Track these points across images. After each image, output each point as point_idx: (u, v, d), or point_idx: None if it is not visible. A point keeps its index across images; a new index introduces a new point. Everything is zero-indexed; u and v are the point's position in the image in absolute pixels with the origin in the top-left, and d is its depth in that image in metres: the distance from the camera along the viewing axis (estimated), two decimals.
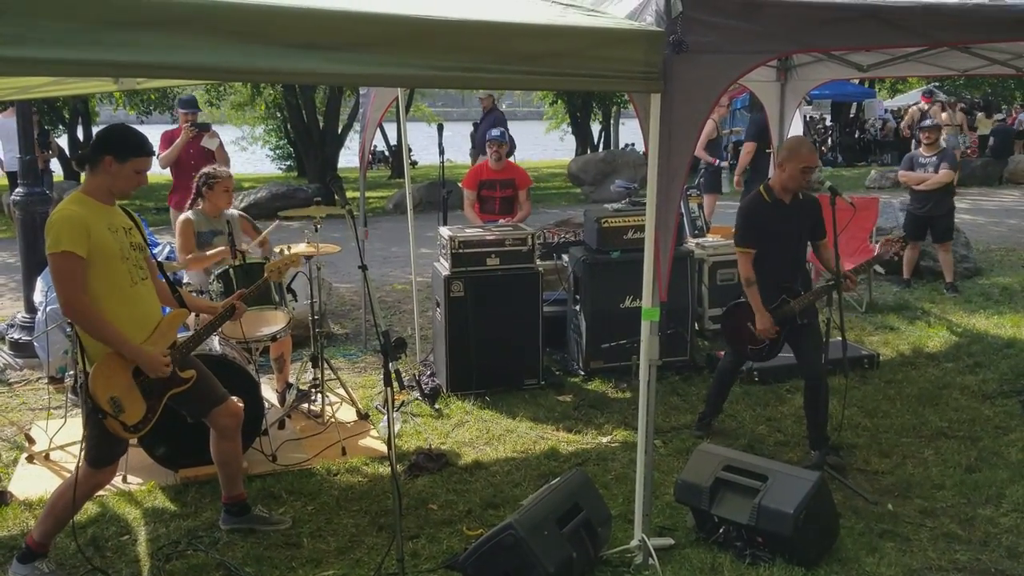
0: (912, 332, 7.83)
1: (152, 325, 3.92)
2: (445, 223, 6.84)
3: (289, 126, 27.80)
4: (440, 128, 7.49)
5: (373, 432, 5.67)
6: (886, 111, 27.59)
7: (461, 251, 6.12)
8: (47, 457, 5.24)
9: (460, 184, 8.12)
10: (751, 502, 3.95)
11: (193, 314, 4.74)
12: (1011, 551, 4.11)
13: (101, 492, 4.72)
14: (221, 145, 8.30)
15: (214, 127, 8.81)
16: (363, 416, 5.84)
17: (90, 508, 4.59)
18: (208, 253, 5.66)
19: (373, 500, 4.70)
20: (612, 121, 32.64)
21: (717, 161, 10.78)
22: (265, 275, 4.64)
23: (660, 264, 3.84)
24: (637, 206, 7.08)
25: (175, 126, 8.41)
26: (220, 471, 4.32)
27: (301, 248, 5.72)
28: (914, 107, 23.54)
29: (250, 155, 34.45)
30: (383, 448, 5.37)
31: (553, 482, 3.94)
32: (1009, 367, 6.78)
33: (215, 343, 5.16)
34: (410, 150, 7.53)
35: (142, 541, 4.32)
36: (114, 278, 3.78)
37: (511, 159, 9.00)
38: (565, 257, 7.06)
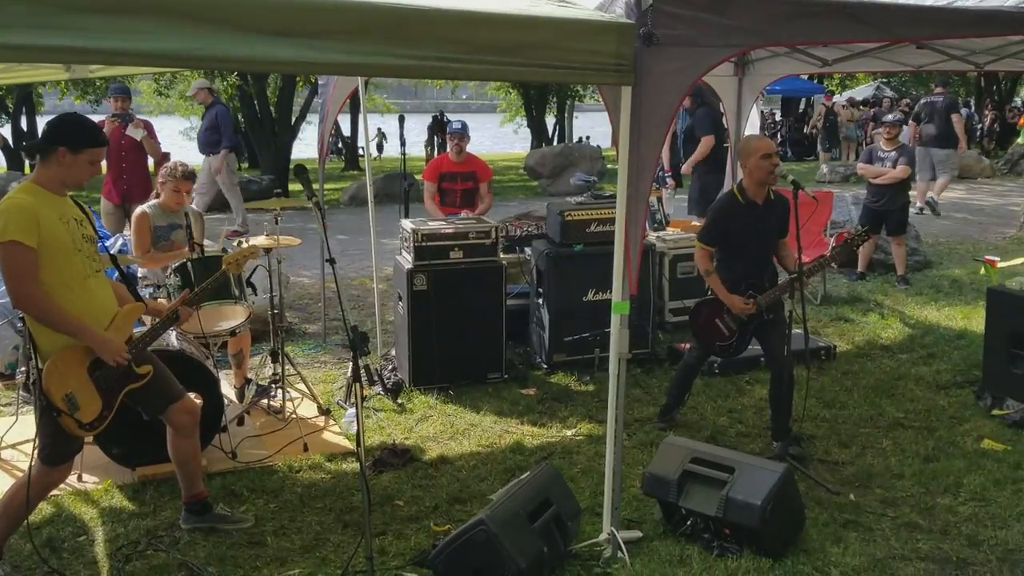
0: (866, 324, 7.95)
1: (107, 319, 3.83)
2: (407, 216, 6.77)
3: (240, 116, 27.44)
4: (401, 119, 7.41)
5: (334, 427, 5.59)
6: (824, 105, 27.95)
7: (424, 244, 6.06)
8: None
9: (420, 176, 8.05)
10: (719, 494, 3.97)
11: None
12: (971, 539, 4.19)
13: (56, 491, 4.59)
14: (148, 136, 8.27)
15: (142, 117, 8.74)
16: (324, 412, 5.74)
17: (45, 508, 4.46)
18: (166, 254, 5.54)
19: (337, 497, 4.64)
20: (567, 114, 32.76)
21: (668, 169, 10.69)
22: (223, 267, 4.54)
23: (631, 258, 3.83)
24: (599, 199, 7.08)
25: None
26: (179, 470, 4.23)
27: (261, 240, 5.61)
28: (820, 107, 24.32)
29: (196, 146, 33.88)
30: (345, 444, 5.31)
31: (522, 476, 3.92)
32: (961, 358, 6.92)
33: (172, 337, 5.05)
34: (384, 136, 7.39)
35: (100, 541, 4.20)
36: (67, 270, 3.68)
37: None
38: (528, 250, 7.03)
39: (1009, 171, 21.17)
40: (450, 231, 6.18)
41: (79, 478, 4.77)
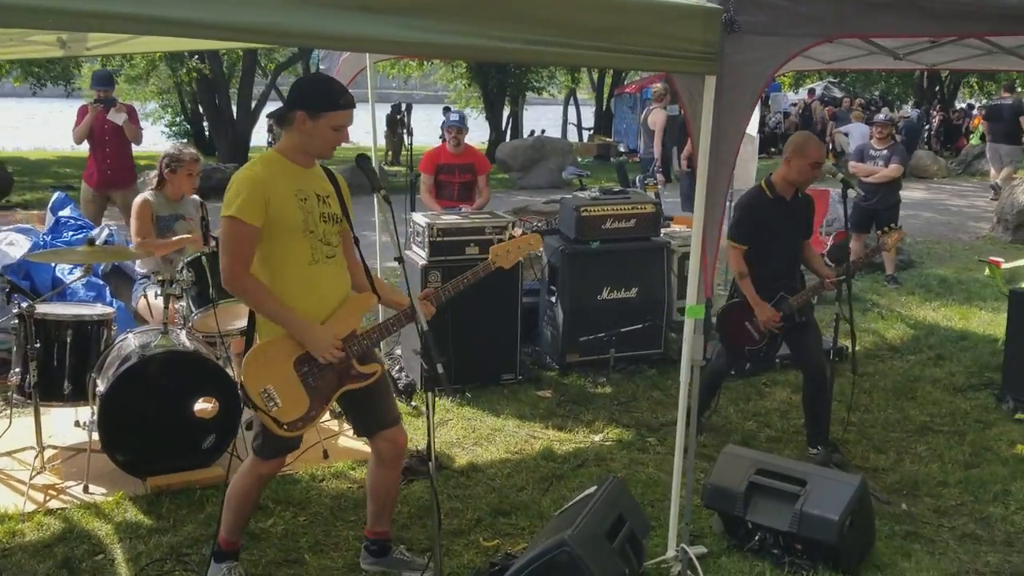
0: (867, 325, 7.88)
1: (330, 309, 3.42)
2: (413, 209, 6.47)
3: (186, 101, 26.63)
4: (408, 108, 7.10)
5: (349, 432, 5.28)
6: (792, 104, 28.34)
7: (440, 239, 5.78)
8: None
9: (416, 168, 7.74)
10: (791, 508, 3.78)
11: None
12: None
13: (62, 504, 4.28)
14: (129, 120, 8.08)
15: (123, 102, 8.50)
16: (336, 415, 5.43)
17: (53, 524, 4.10)
18: (168, 241, 5.17)
19: None
20: (520, 107, 32.40)
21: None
22: (491, 259, 3.75)
23: (707, 259, 3.62)
24: (608, 195, 6.86)
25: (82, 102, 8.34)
26: (370, 501, 3.78)
27: None
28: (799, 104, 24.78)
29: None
30: (366, 450, 4.97)
31: (589, 491, 3.67)
32: (971, 359, 6.88)
33: (183, 336, 4.70)
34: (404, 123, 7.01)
35: (120, 560, 3.85)
36: (290, 253, 3.31)
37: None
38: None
39: (963, 171, 21.55)
40: (466, 226, 5.90)
41: (85, 489, 4.40)
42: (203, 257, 4.71)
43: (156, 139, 32.19)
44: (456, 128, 7.47)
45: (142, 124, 8.55)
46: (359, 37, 2.75)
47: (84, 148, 8.38)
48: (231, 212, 3.20)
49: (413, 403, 5.67)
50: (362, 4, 2.70)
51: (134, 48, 5.66)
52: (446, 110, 7.27)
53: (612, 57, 3.21)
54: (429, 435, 3.21)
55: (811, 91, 28.84)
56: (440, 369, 3.07)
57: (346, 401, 3.55)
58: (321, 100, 3.24)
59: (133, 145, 8.31)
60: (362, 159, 3.38)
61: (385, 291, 3.75)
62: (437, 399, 5.76)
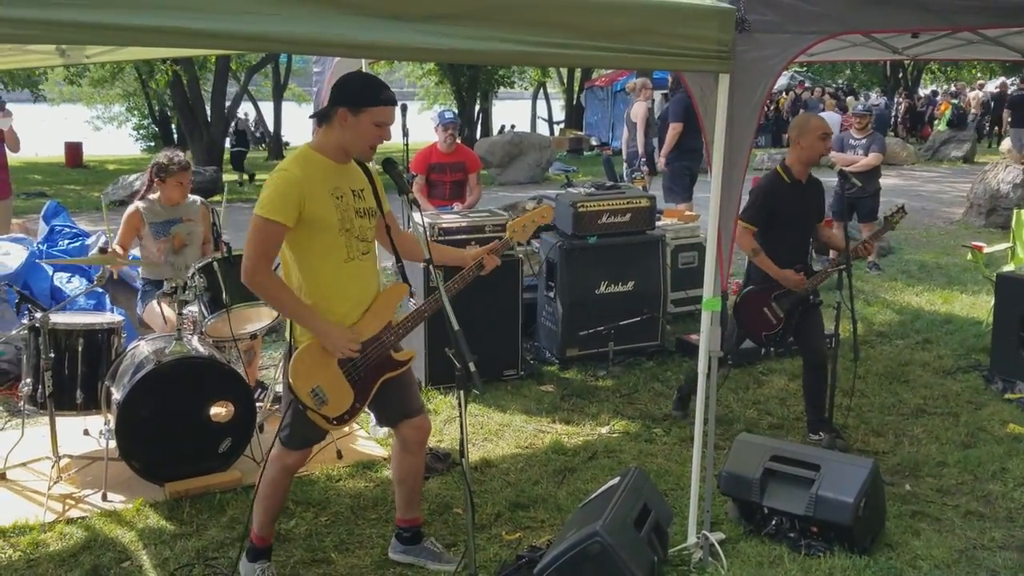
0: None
1: (365, 304, 3.48)
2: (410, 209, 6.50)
3: (154, 104, 26.40)
4: (404, 108, 7.10)
5: (360, 432, 5.34)
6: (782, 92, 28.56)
7: (441, 239, 5.83)
8: (3, 476, 4.65)
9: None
10: (806, 492, 3.89)
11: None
12: None
13: (82, 513, 4.29)
14: (11, 128, 7.69)
15: (8, 107, 8.08)
16: None
17: (76, 533, 4.11)
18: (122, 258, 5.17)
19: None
20: (490, 102, 32.49)
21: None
22: (507, 235, 3.93)
23: (723, 252, 3.71)
24: (601, 190, 6.94)
25: None
26: (397, 488, 3.86)
27: None
28: (789, 93, 25.05)
29: (105, 135, 32.56)
30: (379, 450, 5.07)
31: (613, 482, 3.75)
32: (958, 343, 7.04)
33: (195, 342, 4.72)
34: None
35: (148, 566, 3.88)
36: (325, 251, 3.34)
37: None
38: (535, 243, 6.86)
39: (931, 157, 21.93)
40: (467, 225, 5.96)
41: (104, 497, 4.41)
42: (215, 263, 4.72)
43: (124, 142, 32.06)
44: (453, 125, 7.52)
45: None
46: (390, 46, 2.80)
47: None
48: (263, 212, 3.23)
49: None
50: (394, 12, 2.75)
51: (133, 55, 5.65)
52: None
53: (630, 58, 3.29)
54: (462, 431, 3.28)
55: (800, 81, 29.16)
56: (472, 367, 3.15)
57: (379, 392, 3.60)
58: (362, 95, 3.25)
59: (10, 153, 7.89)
60: (388, 163, 3.44)
61: (441, 251, 3.91)
62: (444, 397, 5.84)
